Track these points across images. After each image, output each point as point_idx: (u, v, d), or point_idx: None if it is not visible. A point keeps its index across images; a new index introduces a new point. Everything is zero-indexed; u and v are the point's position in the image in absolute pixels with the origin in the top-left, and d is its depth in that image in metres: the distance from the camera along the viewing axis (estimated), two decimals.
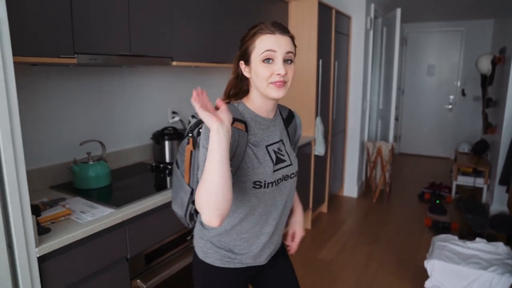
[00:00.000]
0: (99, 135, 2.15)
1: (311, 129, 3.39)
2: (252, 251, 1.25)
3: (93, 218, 1.51)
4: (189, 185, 1.23)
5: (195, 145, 1.19)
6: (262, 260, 1.31)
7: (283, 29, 1.15)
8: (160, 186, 1.99)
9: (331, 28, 3.61)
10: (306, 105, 3.40)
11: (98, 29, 1.70)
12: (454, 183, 4.52)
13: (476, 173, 4.47)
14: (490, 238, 3.03)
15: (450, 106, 6.59)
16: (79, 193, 1.79)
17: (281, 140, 1.26)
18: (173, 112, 2.66)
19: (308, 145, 3.33)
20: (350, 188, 4.55)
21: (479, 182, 4.41)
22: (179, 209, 1.30)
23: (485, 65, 4.47)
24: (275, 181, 1.20)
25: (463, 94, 6.42)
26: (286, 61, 1.14)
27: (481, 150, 4.86)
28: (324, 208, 4.01)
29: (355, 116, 4.33)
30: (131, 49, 1.86)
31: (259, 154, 1.18)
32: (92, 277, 1.50)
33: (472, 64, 5.47)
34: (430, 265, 2.35)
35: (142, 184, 2.03)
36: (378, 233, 3.53)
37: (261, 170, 1.16)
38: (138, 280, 1.69)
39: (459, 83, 6.47)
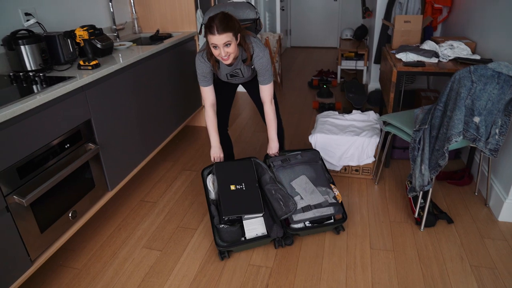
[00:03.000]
0: None
1: (193, 24, 3.22)
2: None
3: None
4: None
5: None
6: None
7: (222, 30, 1.81)
8: (24, 95, 1.77)
9: None
10: None
11: None
12: (339, 68, 4.84)
13: (358, 57, 4.81)
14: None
15: None
16: None
17: (239, 68, 2.12)
18: (27, 14, 2.28)
19: (191, 40, 3.19)
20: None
21: (360, 64, 4.78)
22: None
23: None
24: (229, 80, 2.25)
25: None
26: (226, 45, 1.86)
27: (361, 35, 5.17)
28: None
29: None
30: None
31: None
32: None
33: None
34: (313, 139, 2.57)
35: None
36: None
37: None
38: (15, 196, 1.57)
39: None
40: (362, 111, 3.35)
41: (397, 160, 2.88)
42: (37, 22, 2.29)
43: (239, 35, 1.91)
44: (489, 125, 1.92)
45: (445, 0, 3.36)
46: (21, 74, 1.98)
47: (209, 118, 2.20)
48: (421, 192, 2.11)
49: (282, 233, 1.99)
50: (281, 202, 2.01)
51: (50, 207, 1.77)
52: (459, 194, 2.44)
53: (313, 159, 2.26)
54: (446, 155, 1.89)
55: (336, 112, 2.86)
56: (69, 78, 1.91)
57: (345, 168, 2.64)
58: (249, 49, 2.00)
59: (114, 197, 2.55)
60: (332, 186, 2.18)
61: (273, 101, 2.19)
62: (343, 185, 2.58)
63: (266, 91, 2.14)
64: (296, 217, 2.00)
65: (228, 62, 1.93)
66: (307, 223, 2.05)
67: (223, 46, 1.85)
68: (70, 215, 1.90)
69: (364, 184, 2.60)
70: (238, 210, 1.95)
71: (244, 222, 2.01)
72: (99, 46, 2.33)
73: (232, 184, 2.05)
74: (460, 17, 3.16)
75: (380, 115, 3.33)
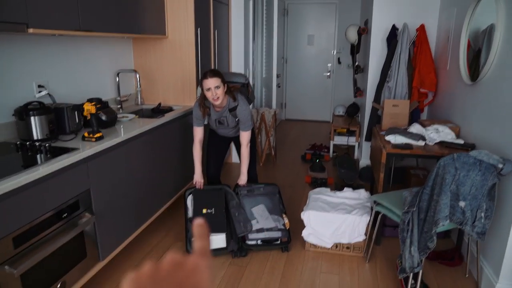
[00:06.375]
0: None
1: (193, 98, 3.41)
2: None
3: None
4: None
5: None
6: None
7: (213, 75, 2.48)
8: (27, 165, 1.84)
9: None
10: (187, 74, 3.39)
11: None
12: (332, 143, 5.01)
13: (349, 133, 5.01)
14: (358, 188, 3.47)
15: (328, 74, 7.18)
16: None
17: (225, 116, 2.72)
18: (40, 86, 2.43)
19: (190, 114, 3.35)
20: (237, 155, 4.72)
21: (352, 140, 4.96)
22: None
23: (353, 35, 4.94)
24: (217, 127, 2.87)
25: (339, 62, 7.03)
26: (216, 87, 2.48)
27: (353, 112, 5.44)
28: None
29: None
30: None
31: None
32: None
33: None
34: (306, 216, 2.62)
35: (3, 164, 1.85)
36: None
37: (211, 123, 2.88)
38: (6, 267, 1.57)
39: (335, 52, 7.06)
40: (354, 187, 3.43)
41: (388, 238, 2.90)
42: (48, 94, 2.44)
43: (225, 84, 2.55)
44: (474, 209, 1.99)
45: (430, 85, 3.61)
46: (27, 143, 2.07)
47: (196, 151, 2.82)
48: (411, 273, 2.12)
49: (236, 247, 2.61)
50: (241, 224, 2.62)
51: (40, 277, 1.75)
52: (450, 275, 2.44)
53: (273, 192, 2.87)
54: (434, 238, 1.94)
55: (328, 189, 2.94)
56: (73, 149, 1.99)
57: (336, 245, 2.65)
58: (236, 101, 2.63)
59: (104, 266, 2.51)
60: (284, 216, 2.76)
61: (249, 144, 2.77)
62: (334, 263, 2.58)
63: (244, 136, 2.75)
64: (251, 236, 2.64)
65: (218, 102, 2.53)
66: (259, 242, 2.66)
67: (214, 88, 2.47)
68: (58, 286, 1.87)
69: (355, 262, 2.60)
70: None
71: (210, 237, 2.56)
72: (103, 118, 2.46)
73: (204, 208, 2.64)
74: (444, 101, 3.39)
75: (371, 191, 3.41)
